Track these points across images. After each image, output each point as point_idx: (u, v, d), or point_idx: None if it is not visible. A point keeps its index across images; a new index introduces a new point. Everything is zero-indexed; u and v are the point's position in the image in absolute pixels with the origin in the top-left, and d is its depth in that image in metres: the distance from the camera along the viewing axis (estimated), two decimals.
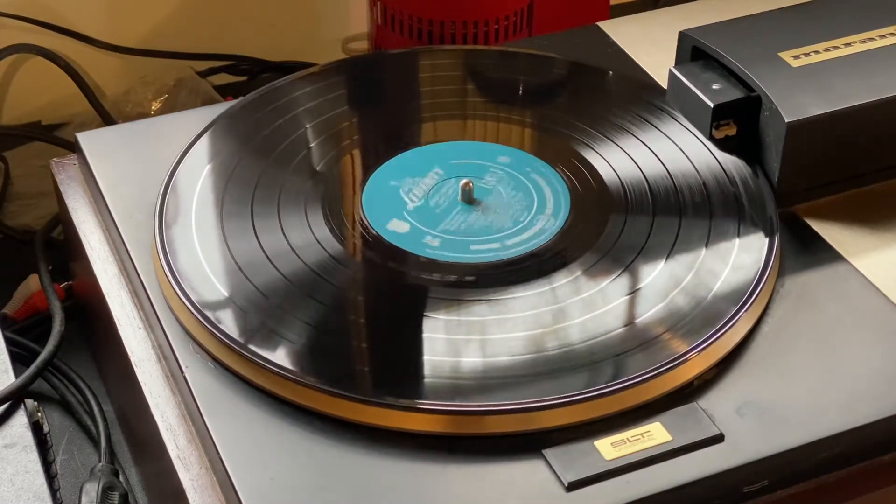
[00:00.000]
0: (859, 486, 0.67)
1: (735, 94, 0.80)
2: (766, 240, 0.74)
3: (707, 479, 0.63)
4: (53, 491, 0.69)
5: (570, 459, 0.64)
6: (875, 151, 0.80)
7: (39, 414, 0.76)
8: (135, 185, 0.80)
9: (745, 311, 0.70)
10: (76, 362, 0.85)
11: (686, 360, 0.67)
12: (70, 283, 0.90)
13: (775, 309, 0.72)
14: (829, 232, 0.77)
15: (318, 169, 0.81)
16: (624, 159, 0.81)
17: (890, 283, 0.73)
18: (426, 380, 0.67)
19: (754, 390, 0.67)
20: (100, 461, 0.78)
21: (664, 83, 0.85)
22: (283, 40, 1.14)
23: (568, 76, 0.90)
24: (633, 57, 0.91)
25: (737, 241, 0.75)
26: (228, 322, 0.69)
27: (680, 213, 0.77)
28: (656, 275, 0.73)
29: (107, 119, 1.03)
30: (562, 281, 0.72)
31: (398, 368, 0.68)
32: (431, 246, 0.75)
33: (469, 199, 0.78)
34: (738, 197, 0.77)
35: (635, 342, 0.68)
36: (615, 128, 0.83)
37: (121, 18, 1.08)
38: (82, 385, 0.84)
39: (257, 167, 0.80)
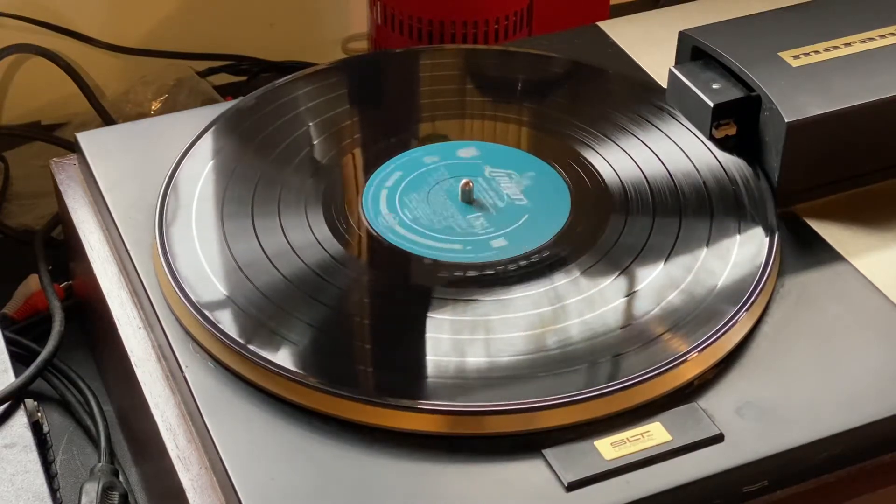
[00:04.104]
0: (859, 486, 0.67)
1: (735, 93, 0.80)
2: (766, 240, 0.74)
3: (707, 479, 0.63)
4: (53, 491, 0.69)
5: (570, 459, 0.64)
6: (875, 151, 0.80)
7: (39, 414, 0.76)
8: (135, 185, 0.80)
9: (745, 311, 0.70)
10: (76, 362, 0.85)
11: (686, 360, 0.67)
12: (70, 283, 0.90)
13: (775, 309, 0.72)
14: (829, 232, 0.77)
15: (318, 169, 0.81)
16: (624, 159, 0.81)
17: (890, 283, 0.73)
18: (426, 380, 0.67)
19: (754, 390, 0.67)
20: (100, 461, 0.78)
21: (664, 83, 0.85)
22: (283, 40, 1.14)
23: (568, 76, 0.90)
24: (633, 57, 0.91)
25: (737, 240, 0.75)
26: (228, 322, 0.69)
27: (680, 213, 0.77)
28: (657, 275, 0.73)
29: (107, 119, 1.03)
30: (562, 281, 0.72)
31: (398, 368, 0.68)
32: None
33: (469, 198, 0.78)
34: (738, 197, 0.77)
35: (635, 342, 0.68)
36: (615, 128, 0.83)
37: (121, 18, 1.08)
38: (82, 385, 0.83)
39: (257, 167, 0.80)
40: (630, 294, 0.72)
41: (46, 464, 0.73)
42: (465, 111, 0.87)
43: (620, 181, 0.79)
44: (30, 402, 0.73)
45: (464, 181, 0.78)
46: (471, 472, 0.63)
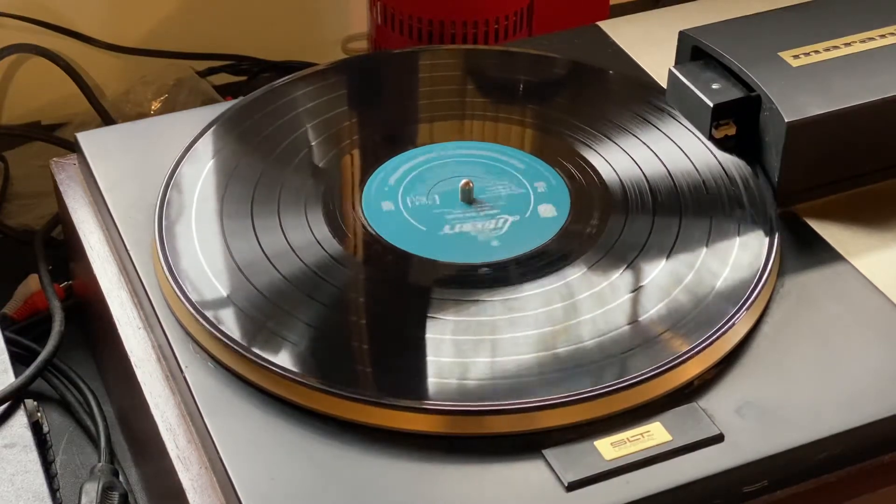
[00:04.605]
0: (859, 486, 0.67)
1: (735, 93, 0.80)
2: (766, 240, 0.74)
3: (707, 479, 0.63)
4: (53, 491, 0.69)
5: (570, 459, 0.64)
6: (875, 151, 0.80)
7: (39, 414, 0.76)
8: (135, 185, 0.80)
9: (745, 311, 0.70)
10: (76, 362, 0.85)
11: (686, 360, 0.67)
12: (70, 283, 0.90)
13: (775, 309, 0.72)
14: (829, 232, 0.77)
15: (318, 169, 0.81)
16: (624, 159, 0.81)
17: (890, 283, 0.73)
18: (426, 380, 0.67)
19: (754, 390, 0.67)
20: (100, 461, 0.78)
21: (664, 83, 0.85)
22: (283, 40, 1.14)
23: (568, 76, 0.90)
24: (633, 57, 0.91)
25: (737, 240, 0.75)
26: (228, 322, 0.69)
27: (680, 213, 0.77)
28: (656, 275, 0.73)
29: (107, 119, 1.03)
30: (560, 282, 0.72)
31: (398, 369, 0.68)
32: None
33: (469, 198, 0.78)
34: (738, 197, 0.77)
35: (635, 342, 0.68)
36: (615, 127, 0.83)
37: (121, 18, 1.08)
38: (82, 385, 0.84)
39: (257, 167, 0.80)
40: (630, 294, 0.71)
41: (46, 464, 0.73)
42: (464, 111, 0.87)
43: (620, 181, 0.79)
44: (30, 402, 0.73)
45: (463, 181, 0.78)
46: (471, 472, 0.63)
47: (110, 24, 1.08)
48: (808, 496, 0.66)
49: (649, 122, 0.83)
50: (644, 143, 0.82)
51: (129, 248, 0.76)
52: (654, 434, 0.65)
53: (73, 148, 0.85)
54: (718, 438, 0.65)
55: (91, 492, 0.74)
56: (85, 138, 0.84)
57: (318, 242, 0.75)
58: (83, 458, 0.81)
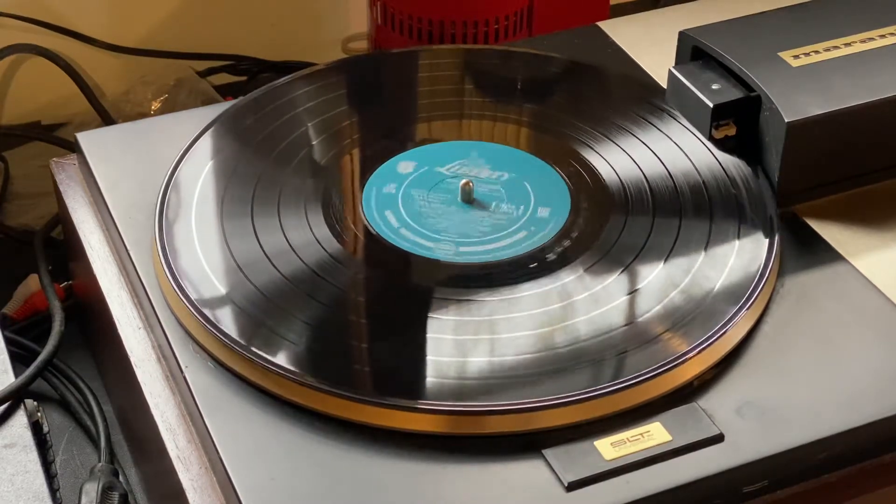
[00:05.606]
0: (859, 486, 0.67)
1: (735, 93, 0.80)
2: (766, 240, 0.74)
3: (707, 479, 0.63)
4: (53, 491, 0.69)
5: (570, 459, 0.64)
6: (875, 151, 0.80)
7: (39, 414, 0.76)
8: (135, 185, 0.80)
9: (745, 311, 0.70)
10: (76, 362, 0.85)
11: (686, 360, 0.67)
12: (70, 283, 0.90)
13: (775, 309, 0.72)
14: (829, 232, 0.77)
15: (318, 169, 0.81)
16: (624, 159, 0.81)
17: (890, 283, 0.73)
18: (426, 380, 0.67)
19: (754, 390, 0.67)
20: (100, 461, 0.78)
21: (664, 83, 0.85)
22: (283, 40, 1.14)
23: (568, 76, 0.90)
24: (633, 57, 0.91)
25: (737, 240, 0.75)
26: (228, 322, 0.69)
27: (680, 213, 0.77)
28: (656, 275, 0.73)
29: (107, 119, 1.03)
30: (561, 281, 0.72)
31: (398, 368, 0.68)
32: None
33: (469, 198, 0.78)
34: (738, 197, 0.77)
35: (635, 342, 0.68)
36: (615, 128, 0.83)
37: (121, 18, 1.08)
38: (82, 385, 0.84)
39: (257, 167, 0.80)
40: (630, 294, 0.71)
41: (46, 464, 0.73)
42: (464, 111, 0.87)
43: (620, 181, 0.79)
44: (30, 402, 0.73)
45: (463, 181, 0.78)
46: (471, 472, 0.63)
47: (110, 24, 1.08)
48: (808, 496, 0.66)
49: (649, 122, 0.83)
50: (644, 144, 0.82)
51: (129, 248, 0.76)
52: (653, 434, 0.65)
53: (73, 148, 0.85)
54: (718, 438, 0.65)
55: (91, 492, 0.74)
56: (85, 138, 0.84)
57: (319, 242, 0.75)
58: (83, 458, 0.81)
